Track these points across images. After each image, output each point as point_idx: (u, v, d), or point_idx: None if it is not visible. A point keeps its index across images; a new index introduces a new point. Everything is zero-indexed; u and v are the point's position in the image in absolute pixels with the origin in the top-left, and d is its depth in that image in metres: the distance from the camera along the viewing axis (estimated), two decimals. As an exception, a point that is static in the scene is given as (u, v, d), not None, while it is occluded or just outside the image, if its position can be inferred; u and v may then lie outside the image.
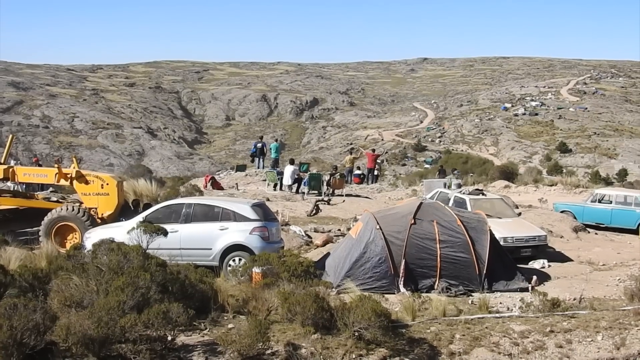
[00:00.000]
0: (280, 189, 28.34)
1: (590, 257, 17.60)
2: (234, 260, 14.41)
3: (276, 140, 38.22)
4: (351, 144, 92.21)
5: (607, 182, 45.03)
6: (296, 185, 27.80)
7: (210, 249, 14.60)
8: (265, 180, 30.33)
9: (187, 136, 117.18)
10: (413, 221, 13.58)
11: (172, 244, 13.89)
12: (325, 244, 17.74)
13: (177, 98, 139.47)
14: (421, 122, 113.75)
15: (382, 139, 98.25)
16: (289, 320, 10.10)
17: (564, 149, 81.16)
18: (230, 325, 9.99)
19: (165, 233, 12.04)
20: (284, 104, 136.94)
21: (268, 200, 23.10)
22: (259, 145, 35.85)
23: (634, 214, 22.11)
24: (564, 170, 58.53)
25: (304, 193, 26.98)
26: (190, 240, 14.59)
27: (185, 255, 14.08)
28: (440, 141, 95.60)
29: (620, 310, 11.97)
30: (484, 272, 13.27)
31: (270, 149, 35.31)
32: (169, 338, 8.94)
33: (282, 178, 28.33)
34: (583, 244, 19.84)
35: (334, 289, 12.46)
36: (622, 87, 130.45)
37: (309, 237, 18.81)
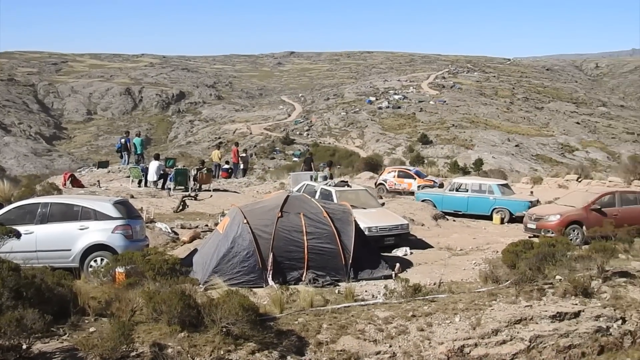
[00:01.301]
0: (145, 185, 27.57)
1: (449, 243, 18.50)
2: (95, 261, 13.86)
3: (139, 135, 36.93)
4: (219, 138, 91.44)
5: (465, 172, 47.40)
6: (162, 181, 27.18)
7: (70, 250, 13.94)
8: (129, 176, 29.37)
9: (45, 132, 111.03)
10: (280, 214, 13.65)
11: (27, 247, 13.16)
12: (192, 240, 17.47)
13: (33, 91, 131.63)
14: (289, 115, 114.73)
15: (251, 133, 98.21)
16: (154, 320, 9.85)
17: (425, 140, 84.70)
18: (91, 329, 9.59)
19: (18, 235, 11.36)
20: (149, 97, 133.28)
21: (132, 197, 22.42)
22: (123, 140, 34.67)
23: (488, 201, 23.48)
24: (426, 161, 61.18)
25: (170, 189, 26.42)
26: (47, 242, 13.86)
27: (42, 257, 13.37)
28: (308, 134, 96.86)
29: (476, 292, 12.71)
30: (350, 261, 13.57)
31: (134, 144, 34.16)
32: (24, 346, 8.45)
33: (146, 174, 27.56)
34: (442, 230, 20.80)
35: (201, 286, 12.29)
36: (477, 81, 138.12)
37: (176, 233, 18.45)
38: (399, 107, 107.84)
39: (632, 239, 17.23)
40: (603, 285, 13.25)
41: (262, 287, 12.81)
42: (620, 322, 12.27)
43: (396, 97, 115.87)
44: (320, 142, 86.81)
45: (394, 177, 32.29)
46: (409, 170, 33.97)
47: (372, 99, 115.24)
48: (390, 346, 10.52)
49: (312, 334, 10.48)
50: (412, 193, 29.05)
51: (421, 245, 18.19)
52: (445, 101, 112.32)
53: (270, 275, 13.08)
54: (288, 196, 14.68)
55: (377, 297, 12.36)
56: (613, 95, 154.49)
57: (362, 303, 11.91)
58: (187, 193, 25.16)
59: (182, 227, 19.13)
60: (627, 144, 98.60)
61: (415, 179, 31.54)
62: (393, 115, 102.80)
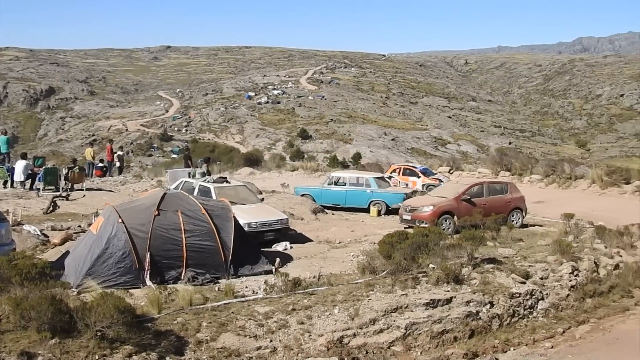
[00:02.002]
0: (12, 186, 26.06)
1: (328, 236, 18.80)
2: (-44, 268, 12.94)
3: (4, 133, 34.79)
4: (93, 135, 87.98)
5: (344, 166, 48.30)
6: (30, 181, 25.78)
7: None
8: (-6, 177, 27.62)
9: None
10: (157, 212, 13.33)
11: None
12: (63, 242, 16.67)
13: None
14: (167, 111, 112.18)
15: (127, 130, 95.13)
16: (22, 327, 9.35)
17: (304, 135, 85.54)
18: (-49, 342, 8.97)
19: None
20: (15, 93, 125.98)
21: (-3, 199, 21.14)
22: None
23: (365, 194, 24.06)
24: (305, 156, 61.84)
25: (39, 189, 25.08)
26: None
27: None
28: (187, 130, 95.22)
29: (354, 283, 13.00)
30: (230, 258, 13.48)
31: (-1, 143, 32.09)
32: None
33: (13, 174, 26.04)
34: (322, 224, 21.11)
35: (74, 289, 11.80)
36: (355, 76, 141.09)
37: (46, 236, 17.54)
38: (279, 102, 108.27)
39: (499, 227, 18.25)
40: (473, 272, 13.94)
41: (140, 287, 12.47)
42: (488, 306, 12.96)
43: (275, 92, 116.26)
44: (199, 138, 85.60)
45: (399, 175, 31.45)
46: (414, 167, 32.87)
47: (252, 94, 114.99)
48: (271, 341, 10.56)
49: (191, 333, 10.33)
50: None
51: (301, 239, 18.37)
52: (323, 96, 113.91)
53: (148, 275, 12.75)
54: (165, 194, 14.36)
55: (257, 292, 12.36)
56: (481, 90, 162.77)
57: (242, 299, 11.88)
58: (57, 193, 24.00)
59: (53, 228, 18.21)
60: (495, 136, 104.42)
61: (420, 177, 30.79)
62: (273, 111, 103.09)
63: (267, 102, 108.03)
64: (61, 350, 9.01)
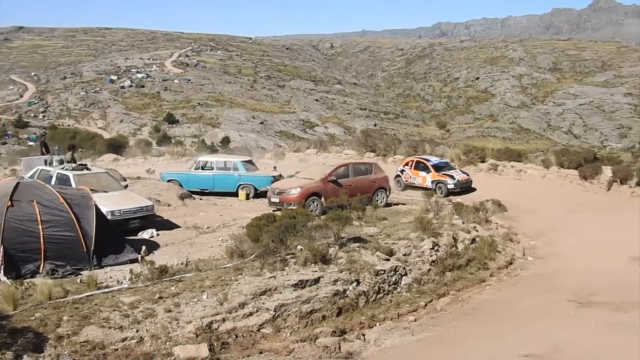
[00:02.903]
0: None
1: (196, 221, 18.54)
2: None
3: None
4: None
5: (213, 150, 47.73)
6: None
7: None
8: None
9: None
10: (10, 203, 12.56)
11: None
12: None
13: None
14: (21, 96, 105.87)
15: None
16: None
17: (171, 120, 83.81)
18: None
19: None
20: None
21: None
22: None
23: (233, 178, 23.92)
24: (173, 141, 60.55)
25: None
26: None
27: None
28: (44, 116, 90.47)
29: (222, 268, 12.92)
30: (92, 248, 12.96)
31: None
32: None
33: None
34: (189, 210, 20.78)
35: None
36: (221, 59, 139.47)
37: None
38: (143, 86, 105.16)
39: (364, 207, 18.77)
40: (339, 251, 14.25)
41: (-7, 283, 11.73)
42: (355, 284, 13.32)
43: (139, 75, 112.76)
44: (58, 124, 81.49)
45: (410, 168, 28.01)
46: (427, 161, 28.09)
47: (114, 77, 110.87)
48: (137, 331, 10.28)
49: (51, 328, 9.86)
50: (427, 188, 25.64)
51: (168, 226, 18.00)
52: (190, 80, 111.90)
53: (2, 270, 12.02)
54: (19, 183, 13.54)
55: (122, 282, 11.99)
56: (347, 73, 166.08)
57: (106, 290, 11.48)
58: None
59: None
60: (361, 119, 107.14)
61: (430, 172, 27.18)
62: (137, 95, 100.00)
63: (131, 86, 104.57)
64: None
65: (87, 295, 11.11)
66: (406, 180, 27.84)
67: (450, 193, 25.77)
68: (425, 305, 13.78)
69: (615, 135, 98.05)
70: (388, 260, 14.50)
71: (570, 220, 20.72)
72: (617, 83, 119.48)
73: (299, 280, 12.59)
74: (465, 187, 26.60)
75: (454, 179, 26.61)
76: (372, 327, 12.47)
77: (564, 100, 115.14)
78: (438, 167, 27.47)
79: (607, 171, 26.07)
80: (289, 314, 11.92)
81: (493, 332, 11.97)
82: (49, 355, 9.33)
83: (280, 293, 12.19)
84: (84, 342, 9.73)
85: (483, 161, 31.95)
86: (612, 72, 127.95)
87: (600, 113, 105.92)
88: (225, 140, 61.76)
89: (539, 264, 16.93)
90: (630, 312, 12.32)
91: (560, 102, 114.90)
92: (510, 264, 16.97)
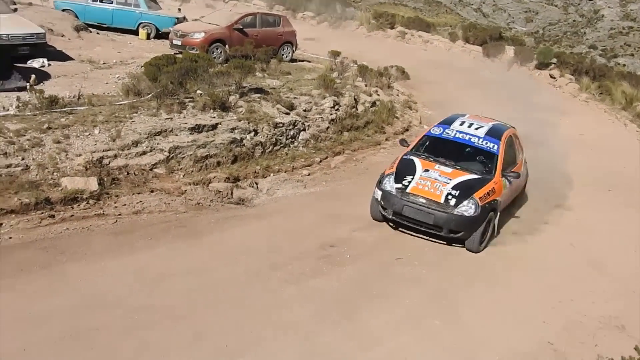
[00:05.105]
0: None
1: (92, 56, 17.61)
2: None
3: None
4: None
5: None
6: None
7: None
8: None
9: None
10: None
11: None
12: None
13: None
14: None
15: None
16: None
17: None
18: None
19: None
20: None
21: None
22: None
23: (134, 15, 22.66)
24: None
25: None
26: None
27: None
28: None
29: (117, 104, 12.46)
30: (-25, 71, 12.16)
31: None
32: None
33: None
34: (85, 43, 19.60)
35: None
36: None
37: None
38: None
39: (269, 59, 18.42)
40: (240, 100, 14.05)
41: None
42: (252, 134, 13.29)
43: None
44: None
45: None
46: None
47: None
48: (23, 159, 9.90)
49: None
50: None
51: (61, 57, 16.97)
52: None
53: None
54: None
55: (8, 109, 11.36)
56: None
57: (-9, 115, 10.87)
58: None
59: None
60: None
61: None
62: None
63: None
64: None
65: (-32, 119, 10.50)
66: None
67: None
68: (320, 161, 14.05)
69: (522, 19, 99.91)
70: (288, 114, 14.48)
71: (468, 94, 21.29)
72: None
73: (196, 125, 12.39)
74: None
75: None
76: (266, 177, 12.64)
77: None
78: None
79: (510, 51, 26.71)
80: (184, 157, 11.82)
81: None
82: None
83: (176, 135, 11.99)
84: (-36, 166, 9.32)
85: (392, 27, 31.85)
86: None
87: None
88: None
89: (432, 132, 17.47)
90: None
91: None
92: (407, 130, 17.43)
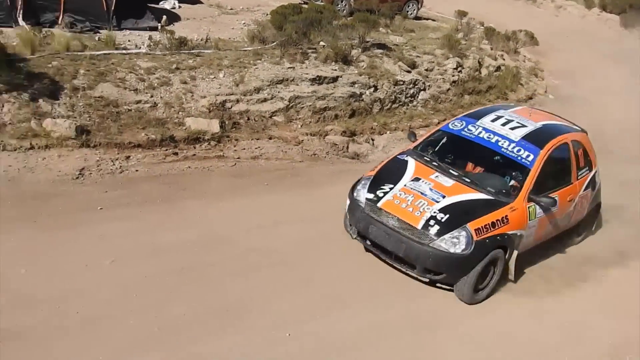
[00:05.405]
0: None
1: (220, 1, 17.91)
2: None
3: None
4: None
5: None
6: None
7: None
8: None
9: None
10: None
11: None
12: None
13: None
14: None
15: None
16: None
17: None
18: None
19: None
20: None
21: None
22: None
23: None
24: None
25: None
26: None
27: None
28: None
29: (242, 50, 12.66)
30: (112, 8, 12.61)
31: None
32: None
33: None
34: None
35: None
36: None
37: None
38: None
39: (394, 15, 18.12)
40: (362, 54, 13.91)
41: (12, 27, 11.52)
42: (372, 89, 13.18)
43: None
44: None
45: None
46: None
47: None
48: (152, 96, 10.31)
49: (67, 78, 9.86)
50: None
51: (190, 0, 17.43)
52: None
53: (21, 15, 11.77)
54: None
55: (140, 47, 11.79)
56: None
57: (124, 52, 11.31)
58: None
59: None
60: None
61: None
62: None
63: None
64: None
65: (105, 54, 10.97)
66: None
67: None
68: (438, 122, 13.68)
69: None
70: (409, 72, 14.23)
71: (601, 67, 20.09)
72: None
73: (317, 76, 12.42)
74: None
75: None
76: (383, 134, 12.54)
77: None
78: None
79: (651, 21, 24.95)
80: (303, 107, 11.90)
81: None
82: (64, 103, 9.44)
83: (297, 85, 12.08)
84: (99, 97, 9.81)
85: (523, -10, 30.49)
86: None
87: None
88: None
89: (558, 104, 16.65)
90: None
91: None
92: (530, 98, 16.71)
